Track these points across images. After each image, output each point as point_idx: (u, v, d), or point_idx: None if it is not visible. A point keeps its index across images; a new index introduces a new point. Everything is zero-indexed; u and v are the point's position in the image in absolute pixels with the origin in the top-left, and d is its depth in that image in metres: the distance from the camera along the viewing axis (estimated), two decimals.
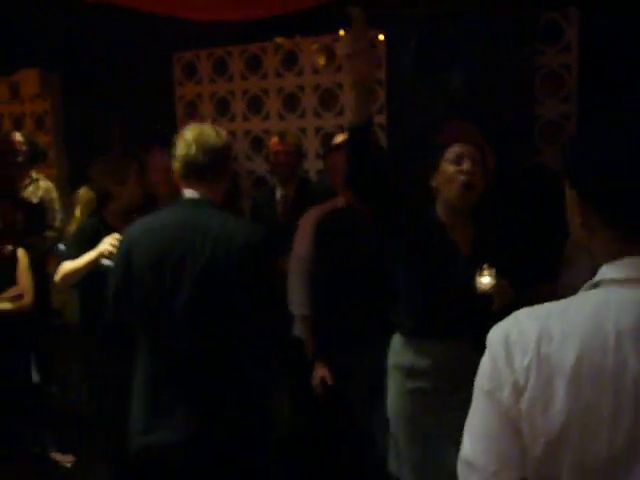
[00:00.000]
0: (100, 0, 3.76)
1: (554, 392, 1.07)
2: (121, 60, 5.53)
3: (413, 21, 4.54)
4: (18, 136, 4.67)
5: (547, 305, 1.17)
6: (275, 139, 3.96)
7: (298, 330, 3.36)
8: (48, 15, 4.82)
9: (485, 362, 1.18)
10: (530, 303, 1.21)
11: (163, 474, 2.51)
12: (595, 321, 1.09)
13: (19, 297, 3.54)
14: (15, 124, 6.84)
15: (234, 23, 4.66)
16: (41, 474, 3.73)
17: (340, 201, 3.28)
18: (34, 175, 4.71)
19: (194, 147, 2.40)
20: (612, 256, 1.14)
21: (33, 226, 4.37)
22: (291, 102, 5.35)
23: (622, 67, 3.98)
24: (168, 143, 3.40)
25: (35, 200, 4.57)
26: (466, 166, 2.40)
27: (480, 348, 1.20)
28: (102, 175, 3.33)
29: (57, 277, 3.18)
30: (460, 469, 1.19)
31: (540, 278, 2.69)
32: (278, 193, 3.88)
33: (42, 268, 4.22)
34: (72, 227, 3.47)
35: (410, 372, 2.52)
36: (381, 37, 4.88)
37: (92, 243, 3.08)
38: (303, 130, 5.26)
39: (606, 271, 1.14)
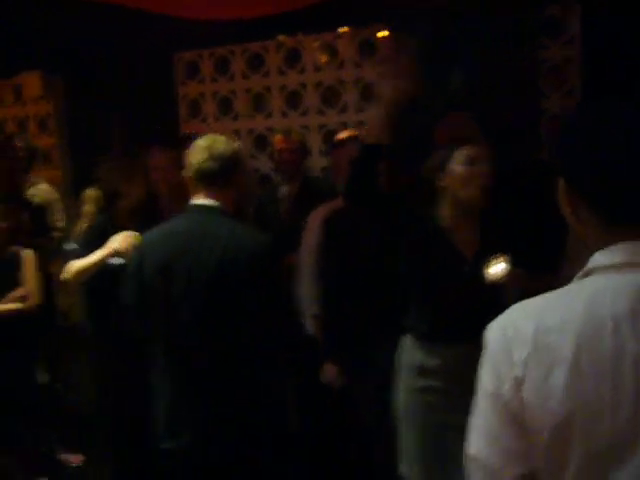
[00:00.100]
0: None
1: (555, 382, 1.08)
2: (123, 61, 5.54)
3: (415, 18, 4.53)
4: (17, 141, 4.71)
5: (541, 297, 1.18)
6: (279, 137, 3.96)
7: (309, 328, 3.35)
8: (49, 16, 4.82)
9: (484, 360, 1.18)
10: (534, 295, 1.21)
11: (177, 474, 2.54)
12: (590, 308, 1.09)
13: (25, 298, 3.54)
14: (18, 126, 6.85)
15: (235, 22, 4.66)
16: (49, 474, 3.73)
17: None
18: (32, 178, 4.73)
19: (205, 154, 2.47)
20: (602, 243, 1.15)
21: (39, 227, 4.39)
22: (294, 100, 5.35)
23: (625, 61, 3.97)
24: (167, 142, 3.42)
25: (36, 202, 4.58)
26: (483, 169, 2.39)
27: None
28: (111, 174, 3.36)
29: (67, 275, 3.18)
30: (467, 467, 1.20)
31: (542, 271, 2.69)
32: (282, 191, 3.88)
33: (46, 269, 4.23)
34: (82, 225, 3.48)
35: (420, 371, 2.51)
36: (382, 34, 4.88)
37: (100, 241, 3.11)
38: (306, 127, 5.26)
39: (598, 258, 1.15)
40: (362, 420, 3.24)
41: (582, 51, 4.32)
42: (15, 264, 3.61)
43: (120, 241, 2.96)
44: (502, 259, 2.26)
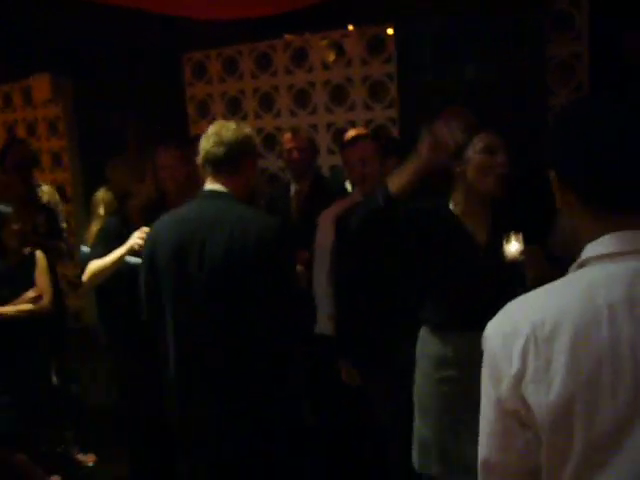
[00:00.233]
0: (111, 1, 3.78)
1: (555, 373, 1.09)
2: (131, 63, 5.56)
3: (424, 15, 4.53)
4: None
5: (536, 291, 1.20)
6: (288, 135, 3.97)
7: (324, 327, 3.35)
8: (57, 19, 4.84)
9: (484, 361, 1.20)
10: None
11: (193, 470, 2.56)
12: (586, 298, 1.11)
13: (38, 298, 3.56)
14: (28, 129, 6.90)
15: (243, 22, 4.67)
16: (64, 474, 3.76)
17: (357, 196, 3.28)
18: (35, 180, 4.79)
19: (212, 141, 2.48)
20: (594, 234, 1.17)
21: (53, 229, 4.44)
22: (302, 99, 5.36)
23: (632, 56, 3.96)
24: (173, 141, 3.44)
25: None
26: (502, 158, 2.39)
27: None
28: (122, 174, 3.40)
29: (85, 277, 3.21)
30: (479, 469, 1.24)
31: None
32: (292, 189, 3.89)
33: (56, 271, 4.27)
34: (95, 227, 3.50)
35: (438, 361, 2.51)
36: (390, 31, 4.89)
37: (116, 241, 3.14)
38: (314, 126, 5.27)
39: (590, 249, 1.17)
40: (377, 419, 3.23)
41: (590, 47, 4.31)
42: (32, 265, 3.63)
43: (137, 238, 2.99)
44: (515, 238, 2.25)
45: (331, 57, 5.14)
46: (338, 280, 3.22)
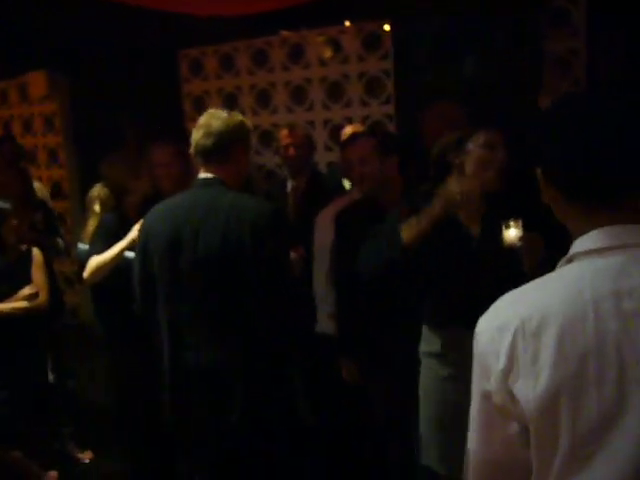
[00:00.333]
0: None
1: (541, 367, 1.12)
2: (127, 59, 5.55)
3: (421, 11, 4.53)
4: None
5: (524, 287, 1.22)
6: (285, 131, 3.96)
7: (324, 326, 3.34)
8: (53, 16, 4.83)
9: (474, 356, 1.23)
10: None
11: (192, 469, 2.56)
12: (573, 293, 1.13)
13: (34, 296, 3.56)
14: (24, 126, 6.88)
15: (239, 18, 4.67)
16: (60, 470, 3.75)
17: (355, 194, 3.27)
18: None
19: (201, 132, 2.50)
20: (581, 230, 1.19)
21: (50, 226, 4.45)
22: (298, 95, 5.35)
23: (630, 52, 3.96)
24: (168, 138, 3.44)
25: None
26: (501, 154, 2.39)
27: None
28: (118, 171, 3.40)
29: (86, 273, 3.21)
30: (466, 461, 1.30)
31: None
32: (289, 185, 3.89)
33: (52, 267, 4.27)
34: (92, 224, 3.50)
35: (441, 359, 2.51)
36: (387, 27, 4.88)
37: (114, 237, 3.14)
38: (311, 123, 5.26)
39: (578, 245, 1.19)
40: (377, 418, 3.22)
41: (587, 43, 4.30)
42: (28, 262, 3.63)
43: (137, 230, 3.00)
44: (517, 223, 2.25)
45: (328, 53, 5.13)
46: (338, 278, 3.20)
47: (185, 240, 2.40)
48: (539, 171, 1.25)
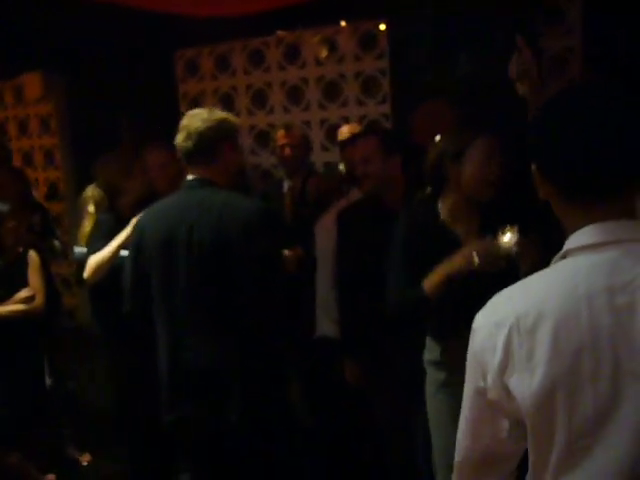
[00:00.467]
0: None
1: (537, 362, 1.13)
2: (123, 60, 5.54)
3: (417, 11, 4.52)
4: None
5: (520, 283, 1.24)
6: (281, 132, 3.95)
7: (326, 329, 3.32)
8: (49, 17, 4.82)
9: (469, 353, 1.25)
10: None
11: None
12: (567, 288, 1.14)
13: (31, 299, 3.55)
14: (20, 127, 6.87)
15: (235, 18, 4.65)
16: (59, 473, 3.75)
17: (355, 194, 3.25)
18: None
19: (182, 134, 2.48)
20: (575, 226, 1.20)
21: (47, 228, 4.44)
22: (295, 95, 5.34)
23: (626, 50, 3.96)
24: (161, 141, 3.43)
25: None
26: (495, 165, 2.37)
27: None
28: (110, 171, 3.39)
29: (87, 273, 3.19)
30: (455, 453, 1.32)
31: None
32: (286, 185, 3.88)
33: (49, 270, 4.26)
34: (87, 225, 3.49)
35: (443, 367, 2.49)
36: (383, 27, 4.87)
37: (111, 238, 3.13)
38: (307, 123, 5.25)
39: (571, 241, 1.20)
40: (377, 421, 3.21)
41: (583, 40, 4.30)
42: (26, 264, 3.62)
43: (132, 226, 2.99)
44: (513, 229, 2.23)
45: (324, 53, 5.13)
46: (340, 278, 3.17)
47: (180, 240, 2.40)
48: (534, 167, 1.25)
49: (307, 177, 3.86)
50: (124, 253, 3.01)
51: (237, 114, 5.53)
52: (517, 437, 1.22)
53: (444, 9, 4.50)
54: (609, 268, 1.13)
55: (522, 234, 2.21)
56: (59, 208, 6.46)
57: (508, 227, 2.22)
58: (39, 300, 3.58)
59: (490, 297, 1.28)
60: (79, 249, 3.51)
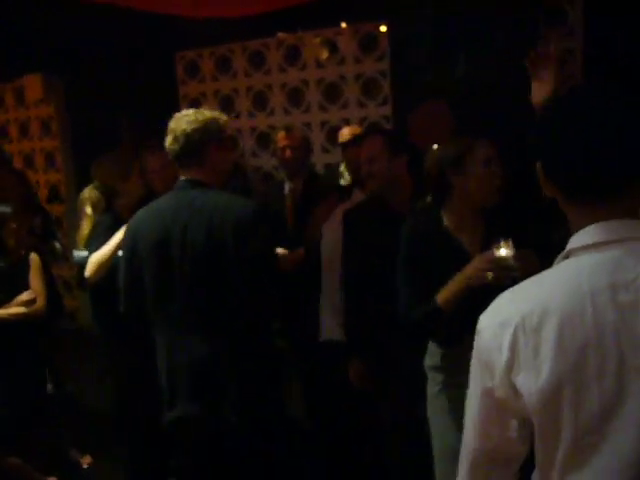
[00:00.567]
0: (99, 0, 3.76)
1: (543, 360, 1.14)
2: (124, 62, 5.54)
3: (418, 12, 4.52)
4: None
5: (524, 283, 1.25)
6: (282, 133, 3.95)
7: (331, 332, 3.31)
8: (49, 19, 4.82)
9: (474, 353, 1.26)
10: None
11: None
12: (571, 287, 1.16)
13: (32, 301, 3.54)
14: (21, 129, 6.87)
15: (235, 20, 4.66)
16: (60, 475, 3.74)
17: (358, 195, 3.24)
18: None
19: (170, 137, 2.48)
20: (579, 225, 1.21)
21: (48, 230, 4.45)
22: (295, 97, 5.35)
23: (626, 52, 3.96)
24: (159, 144, 3.44)
25: None
26: (497, 169, 2.36)
27: None
28: (107, 173, 3.39)
29: (88, 272, 3.19)
30: (460, 454, 1.33)
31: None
32: (286, 187, 3.88)
33: (51, 272, 4.26)
34: (86, 227, 3.49)
35: (447, 371, 2.48)
36: (383, 28, 4.88)
37: (110, 238, 3.13)
38: (308, 124, 5.26)
39: (574, 240, 1.21)
40: (380, 423, 3.19)
41: (583, 42, 4.30)
42: (27, 267, 3.61)
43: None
44: (505, 245, 2.22)
45: (324, 55, 5.13)
46: (346, 280, 3.15)
47: (172, 241, 2.41)
48: (538, 166, 1.26)
49: (308, 179, 3.86)
50: (120, 253, 3.01)
51: (238, 116, 5.55)
52: (525, 437, 1.23)
53: (444, 9, 4.50)
54: (612, 267, 1.14)
55: (517, 248, 2.20)
56: (60, 210, 6.47)
57: (502, 242, 2.21)
58: (40, 303, 3.57)
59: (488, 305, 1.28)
60: (78, 253, 3.51)
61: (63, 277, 6.03)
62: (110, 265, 3.14)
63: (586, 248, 1.18)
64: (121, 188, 3.36)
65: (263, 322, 2.53)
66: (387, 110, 4.97)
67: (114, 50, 5.33)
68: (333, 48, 5.12)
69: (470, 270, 2.23)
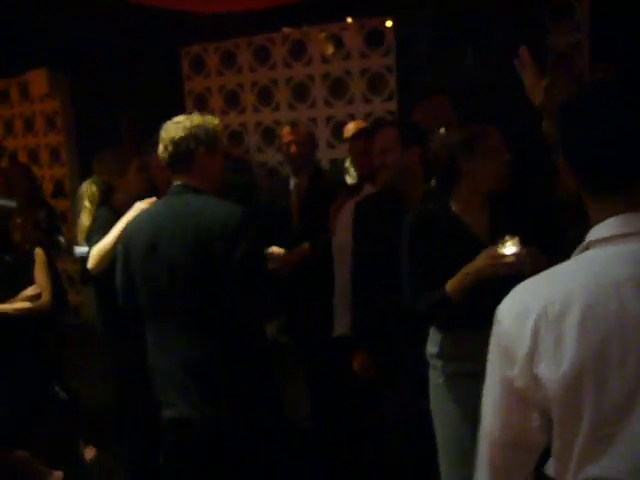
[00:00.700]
0: None
1: (565, 349, 1.14)
2: (129, 57, 5.54)
3: (424, 8, 4.51)
4: None
5: (543, 274, 1.25)
6: (287, 128, 3.94)
7: (345, 327, 3.30)
8: (54, 14, 4.82)
9: (493, 340, 1.26)
10: None
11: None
12: (593, 278, 1.16)
13: (37, 296, 3.54)
14: (26, 125, 6.87)
15: (241, 15, 4.65)
16: (66, 469, 3.75)
17: (369, 189, 3.23)
18: None
19: (161, 145, 2.51)
20: (598, 218, 1.22)
21: (53, 225, 4.46)
22: (301, 92, 5.34)
23: (633, 46, 3.95)
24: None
25: None
26: (508, 156, 2.35)
27: None
28: (105, 168, 3.43)
29: (91, 263, 3.19)
30: (479, 444, 1.32)
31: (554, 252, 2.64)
32: (292, 183, 3.87)
33: (56, 267, 4.27)
34: (85, 220, 3.50)
35: (450, 358, 2.48)
36: (389, 23, 4.86)
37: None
38: (313, 120, 5.25)
39: (594, 233, 1.21)
40: (383, 418, 3.18)
41: (590, 38, 4.29)
42: (32, 262, 3.61)
43: (136, 209, 3.01)
44: (513, 240, 2.21)
45: (330, 50, 5.12)
46: (355, 271, 3.14)
47: (163, 244, 2.43)
48: (561, 158, 1.27)
49: (313, 174, 3.85)
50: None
51: (243, 111, 5.55)
52: (545, 427, 1.23)
53: (444, 9, 4.49)
54: (632, 259, 1.15)
55: (523, 244, 2.19)
56: (64, 205, 6.47)
57: (508, 238, 2.20)
58: (45, 298, 3.57)
59: (503, 289, 1.28)
60: (79, 248, 3.52)
61: (67, 272, 6.04)
62: (112, 257, 3.14)
63: (605, 240, 1.19)
64: (117, 183, 3.40)
65: (255, 322, 2.55)
66: (393, 105, 4.96)
67: (119, 46, 5.32)
68: (339, 43, 5.11)
69: (480, 264, 2.24)
